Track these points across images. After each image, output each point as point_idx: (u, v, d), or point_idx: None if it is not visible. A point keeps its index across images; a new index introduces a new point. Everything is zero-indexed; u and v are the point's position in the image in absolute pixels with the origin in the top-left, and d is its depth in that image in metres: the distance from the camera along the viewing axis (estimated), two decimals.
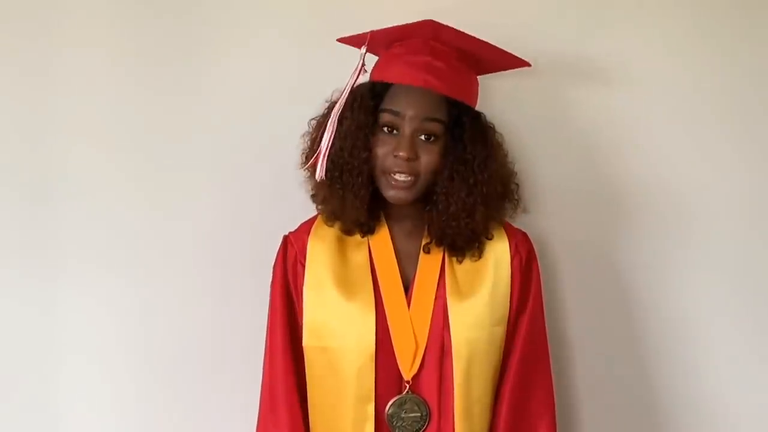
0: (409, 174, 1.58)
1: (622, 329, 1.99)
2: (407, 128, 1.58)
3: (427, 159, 1.59)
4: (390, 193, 1.60)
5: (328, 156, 1.57)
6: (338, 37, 1.69)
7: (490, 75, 1.74)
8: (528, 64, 1.70)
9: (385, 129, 1.60)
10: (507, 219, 1.72)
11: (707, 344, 1.99)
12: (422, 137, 1.59)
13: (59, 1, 1.85)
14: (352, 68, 1.57)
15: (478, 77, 1.68)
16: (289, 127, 1.74)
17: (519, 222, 1.75)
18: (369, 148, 1.59)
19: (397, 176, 1.58)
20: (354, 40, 1.64)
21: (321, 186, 1.62)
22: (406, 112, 1.58)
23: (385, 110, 1.59)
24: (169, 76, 1.89)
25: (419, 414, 1.60)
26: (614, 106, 1.94)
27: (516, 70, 1.73)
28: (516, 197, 1.71)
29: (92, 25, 1.86)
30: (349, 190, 1.60)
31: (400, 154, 1.57)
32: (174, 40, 1.88)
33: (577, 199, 1.95)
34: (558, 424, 1.70)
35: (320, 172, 1.57)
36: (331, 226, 1.66)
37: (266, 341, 1.67)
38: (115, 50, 1.87)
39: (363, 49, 1.56)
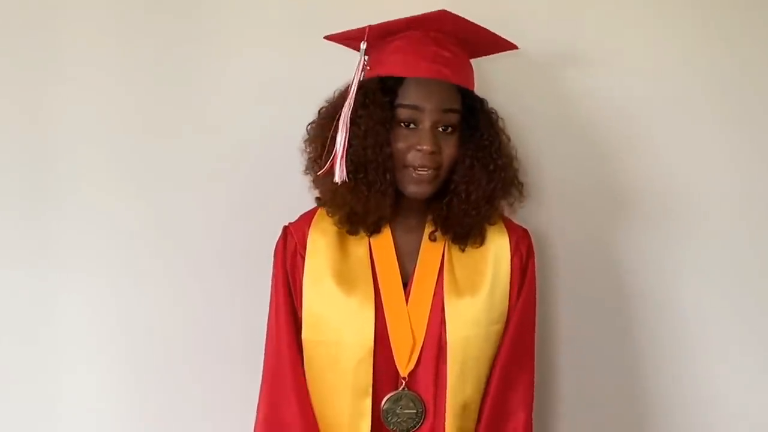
0: (432, 167, 1.58)
1: (617, 324, 1.99)
2: (427, 121, 1.57)
3: (448, 150, 1.59)
4: (412, 188, 1.59)
5: (347, 157, 1.55)
6: (334, 33, 1.66)
7: (488, 67, 1.74)
8: (515, 47, 1.70)
9: (403, 124, 1.59)
10: (512, 206, 1.72)
11: (704, 342, 1.99)
12: (440, 128, 1.58)
13: (60, 2, 1.86)
14: (346, 64, 1.56)
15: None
16: (286, 124, 1.75)
17: (518, 216, 1.75)
18: (390, 144, 1.58)
19: (420, 170, 1.58)
20: (345, 36, 1.63)
21: (340, 189, 1.58)
22: (426, 106, 1.57)
23: (402, 105, 1.58)
24: (167, 76, 1.89)
25: (414, 411, 1.61)
26: (614, 98, 1.93)
27: (514, 62, 1.75)
28: (519, 181, 1.70)
29: (91, 27, 1.87)
30: (377, 189, 1.58)
31: (424, 148, 1.56)
32: (171, 40, 1.88)
33: (575, 193, 1.95)
34: (540, 417, 1.73)
35: (341, 174, 1.55)
36: (340, 228, 1.65)
37: (268, 330, 1.66)
38: (113, 52, 1.88)
39: (364, 45, 1.54)
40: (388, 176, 1.58)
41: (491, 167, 1.61)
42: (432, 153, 1.56)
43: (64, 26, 1.86)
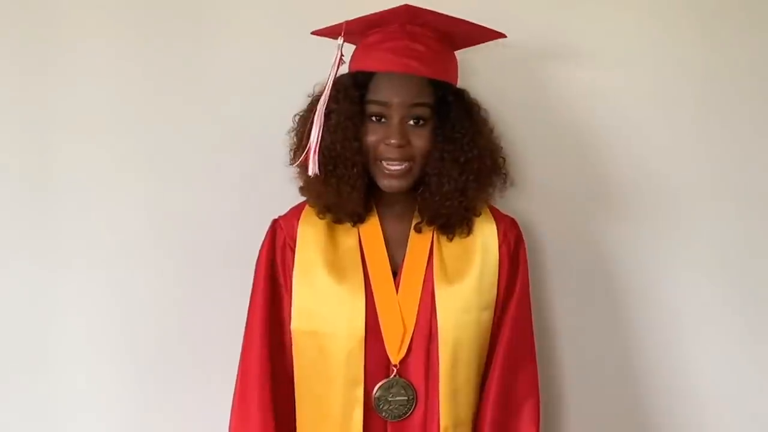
0: (404, 161, 1.59)
1: (607, 317, 1.99)
2: (395, 116, 1.59)
3: (419, 143, 1.60)
4: (384, 182, 1.61)
5: (319, 150, 1.57)
6: (315, 29, 1.68)
7: (472, 59, 1.73)
8: (503, 35, 1.69)
9: (374, 118, 1.60)
10: (496, 195, 1.72)
11: (692, 333, 1.99)
12: (411, 122, 1.60)
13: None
14: (330, 60, 1.55)
15: (456, 54, 1.67)
16: (275, 119, 1.74)
17: (504, 208, 1.75)
18: (359, 138, 1.60)
19: (391, 165, 1.59)
20: (329, 32, 1.63)
21: (315, 181, 1.61)
22: (393, 101, 1.58)
23: (371, 101, 1.60)
24: (162, 73, 1.90)
25: (406, 398, 1.62)
26: (601, 90, 1.93)
27: (500, 54, 1.74)
28: (504, 171, 1.71)
29: (87, 24, 1.88)
30: (345, 183, 1.60)
31: (392, 141, 1.58)
32: (159, 35, 1.89)
33: (562, 185, 1.95)
34: (542, 408, 1.71)
35: (313, 168, 1.58)
36: (323, 218, 1.67)
37: (246, 325, 1.68)
38: (107, 50, 1.89)
39: (340, 40, 1.55)
40: (356, 170, 1.60)
41: (462, 159, 1.61)
42: (401, 146, 1.58)
43: (61, 24, 1.87)
